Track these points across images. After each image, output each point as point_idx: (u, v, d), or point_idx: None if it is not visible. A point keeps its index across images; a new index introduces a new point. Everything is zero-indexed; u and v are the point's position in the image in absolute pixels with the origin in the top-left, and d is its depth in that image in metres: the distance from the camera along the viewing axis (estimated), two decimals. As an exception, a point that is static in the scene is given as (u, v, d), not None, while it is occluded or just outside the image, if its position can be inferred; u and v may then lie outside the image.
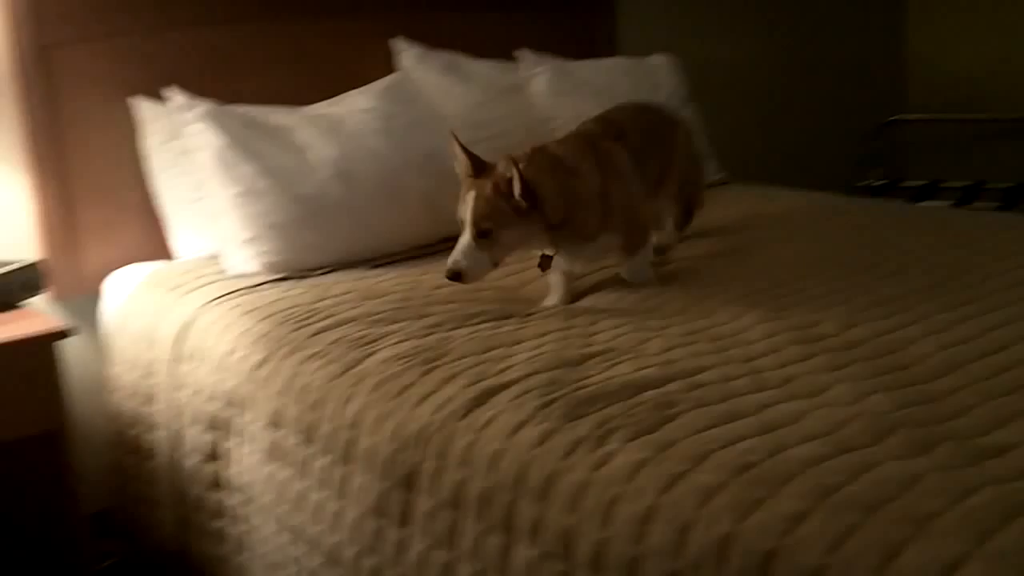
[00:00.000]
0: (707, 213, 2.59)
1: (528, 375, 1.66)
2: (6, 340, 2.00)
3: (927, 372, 1.61)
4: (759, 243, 2.44)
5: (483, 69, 2.89)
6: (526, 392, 1.60)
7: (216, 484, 2.07)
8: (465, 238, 1.96)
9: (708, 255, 2.36)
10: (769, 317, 1.88)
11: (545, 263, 2.11)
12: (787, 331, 1.80)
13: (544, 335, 1.87)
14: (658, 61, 3.17)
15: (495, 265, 2.00)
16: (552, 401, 1.55)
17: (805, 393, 1.54)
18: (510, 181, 1.93)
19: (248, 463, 1.97)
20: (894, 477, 1.26)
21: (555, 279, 2.13)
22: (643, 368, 1.65)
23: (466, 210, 1.96)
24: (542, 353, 1.77)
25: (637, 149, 2.23)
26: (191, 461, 2.11)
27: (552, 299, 2.11)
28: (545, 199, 1.97)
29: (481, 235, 1.95)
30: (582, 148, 2.13)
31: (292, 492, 1.84)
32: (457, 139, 2.04)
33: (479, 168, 2.00)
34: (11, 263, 2.22)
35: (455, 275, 1.96)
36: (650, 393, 1.55)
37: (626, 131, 2.24)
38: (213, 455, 2.06)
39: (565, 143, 2.16)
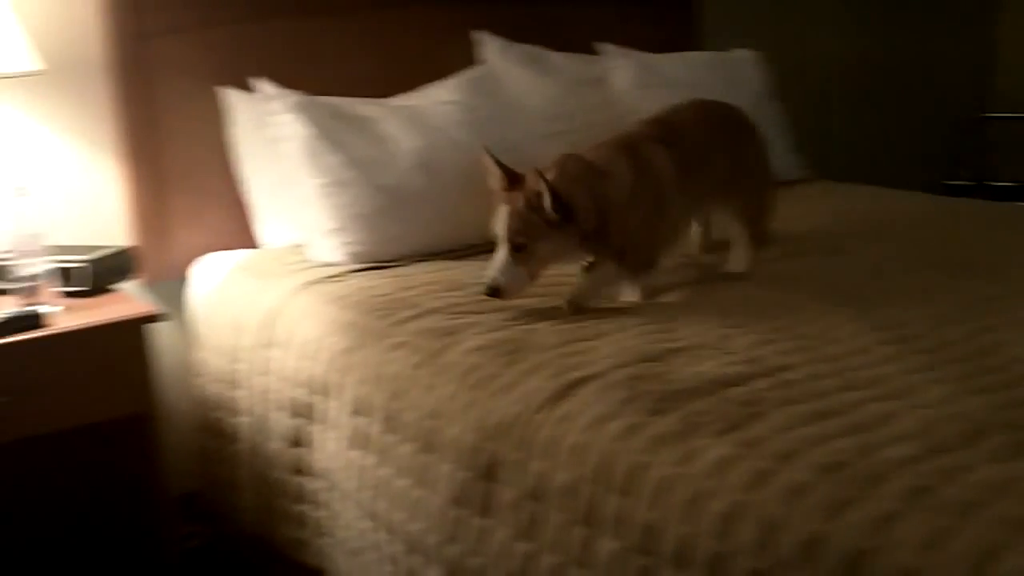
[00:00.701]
0: (791, 210, 2.55)
1: (611, 369, 1.66)
2: (100, 323, 2.06)
3: (1022, 374, 1.57)
4: (845, 241, 2.40)
5: (564, 62, 2.89)
6: (610, 386, 1.59)
7: (299, 469, 2.10)
8: (501, 253, 1.96)
9: (792, 253, 2.32)
10: (856, 316, 1.85)
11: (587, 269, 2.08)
12: (875, 331, 1.77)
13: (625, 329, 1.87)
14: (742, 55, 3.14)
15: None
16: (636, 395, 1.55)
17: (895, 393, 1.52)
18: (541, 194, 1.92)
19: (331, 449, 1.99)
20: (990, 480, 1.23)
21: None
22: (728, 365, 1.64)
23: (500, 225, 1.96)
24: (624, 347, 1.76)
25: (693, 154, 2.15)
26: (275, 446, 2.14)
27: (630, 294, 2.10)
28: (577, 209, 1.95)
29: (516, 249, 1.95)
30: (618, 150, 2.07)
31: (375, 479, 1.86)
32: (489, 152, 2.02)
33: (512, 181, 1.99)
34: (104, 248, 2.27)
35: (493, 291, 1.95)
36: (736, 390, 1.54)
37: (681, 135, 2.16)
38: (297, 440, 2.09)
39: (601, 146, 2.11)
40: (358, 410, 1.92)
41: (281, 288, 2.26)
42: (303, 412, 2.07)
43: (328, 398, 2.01)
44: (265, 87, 2.48)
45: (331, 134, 2.40)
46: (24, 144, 2.41)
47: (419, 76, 2.69)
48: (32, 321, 1.99)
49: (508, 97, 2.67)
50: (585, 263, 2.08)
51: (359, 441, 1.91)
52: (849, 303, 1.92)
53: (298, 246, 2.48)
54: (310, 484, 2.08)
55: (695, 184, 2.14)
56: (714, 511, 1.31)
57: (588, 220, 1.97)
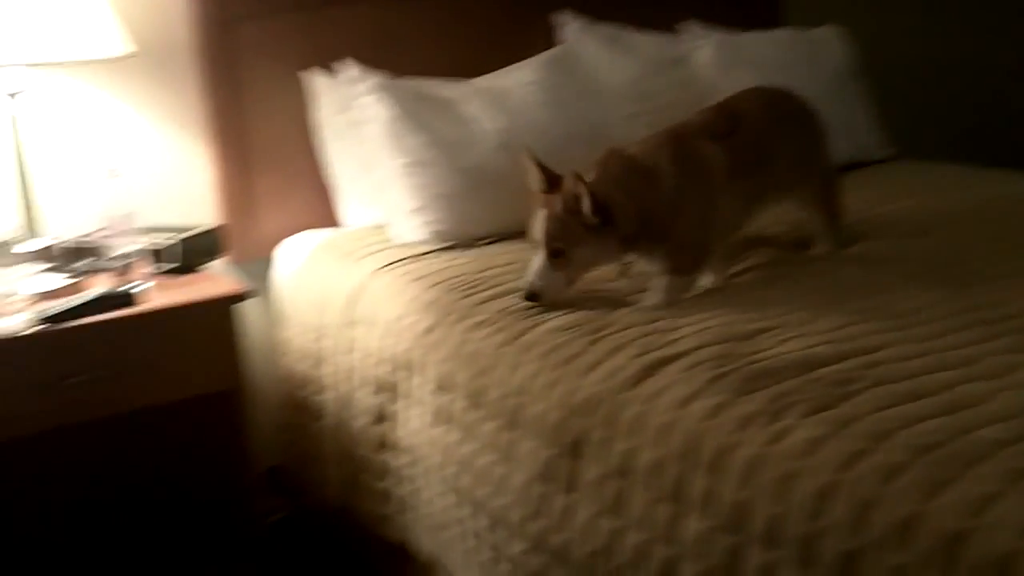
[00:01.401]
0: (876, 191, 2.51)
1: (697, 348, 1.65)
2: (190, 301, 2.10)
3: (1122, 357, 1.53)
4: (935, 221, 2.34)
5: (645, 41, 2.87)
6: (696, 364, 1.59)
7: (383, 445, 2.13)
8: (539, 258, 1.93)
9: (878, 233, 2.28)
10: (948, 297, 1.81)
11: (627, 272, 2.04)
12: (968, 311, 1.74)
13: (709, 309, 1.85)
14: (826, 32, 3.08)
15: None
16: (724, 374, 1.54)
17: (990, 374, 1.49)
18: (579, 198, 1.88)
19: (415, 425, 2.02)
20: (1092, 463, 1.20)
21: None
22: (817, 345, 1.62)
23: (538, 230, 1.93)
24: (709, 327, 1.75)
25: (750, 146, 2.06)
26: (359, 422, 2.18)
27: (705, 280, 2.04)
28: (617, 213, 1.89)
29: (554, 255, 1.91)
30: (665, 147, 1.98)
31: (459, 455, 1.88)
32: (530, 153, 1.98)
33: (551, 183, 1.94)
34: (193, 228, 2.32)
35: (532, 296, 1.93)
36: (826, 370, 1.52)
37: (736, 126, 2.07)
38: (380, 417, 2.12)
39: (647, 141, 2.03)
40: (441, 387, 1.94)
41: (364, 267, 2.29)
42: (387, 389, 2.10)
43: (411, 375, 2.03)
44: (349, 69, 2.51)
45: (413, 115, 2.42)
46: (116, 126, 2.47)
47: (499, 57, 2.69)
48: (124, 299, 2.04)
49: (589, 77, 2.66)
50: (625, 263, 2.03)
51: (443, 418, 1.93)
52: (938, 284, 1.88)
53: (380, 226, 2.50)
54: (394, 460, 2.10)
55: (753, 177, 2.05)
56: (805, 491, 1.30)
57: (629, 223, 1.90)
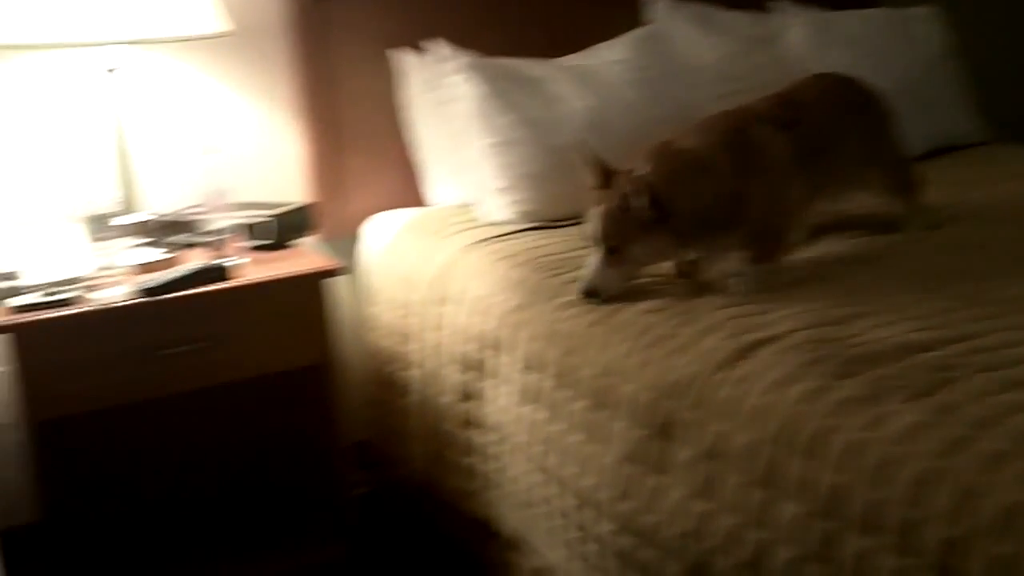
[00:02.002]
0: (972, 175, 2.45)
1: (792, 331, 1.63)
2: (283, 275, 2.14)
3: None
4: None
5: (736, 20, 2.83)
6: (791, 348, 1.57)
7: (469, 422, 2.14)
8: (596, 256, 1.90)
9: (974, 219, 2.22)
10: (1049, 284, 1.76)
11: (687, 271, 2.00)
12: (1074, 298, 1.69)
13: (803, 293, 1.83)
14: (920, 11, 3.01)
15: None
16: (820, 358, 1.52)
17: (1097, 364, 1.45)
18: (633, 194, 1.84)
19: (502, 404, 2.03)
20: None
21: None
22: (915, 330, 1.59)
23: (593, 227, 1.90)
24: (803, 310, 1.73)
25: (814, 135, 2.02)
26: (445, 399, 2.19)
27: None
28: (673, 208, 1.84)
29: (611, 252, 1.88)
30: (724, 138, 1.93)
31: (546, 434, 1.89)
32: (585, 147, 1.95)
33: (607, 177, 1.91)
34: (286, 204, 2.36)
35: (589, 294, 1.91)
36: (925, 355, 1.49)
37: (800, 114, 2.03)
38: (467, 394, 2.14)
39: (705, 131, 1.96)
40: (529, 366, 1.95)
41: (452, 246, 2.30)
42: (474, 367, 2.11)
43: (499, 354, 2.04)
44: (439, 49, 2.52)
45: (502, 94, 2.42)
46: (212, 104, 2.51)
47: (587, 36, 2.69)
48: (219, 273, 2.09)
49: (678, 57, 2.64)
50: (686, 260, 1.99)
51: (530, 396, 1.94)
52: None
53: (467, 205, 2.52)
54: (480, 437, 2.12)
55: (818, 166, 2.01)
56: (905, 477, 1.28)
57: (685, 218, 1.86)
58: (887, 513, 1.29)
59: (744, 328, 1.68)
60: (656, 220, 1.84)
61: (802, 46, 2.80)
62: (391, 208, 2.64)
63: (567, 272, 2.06)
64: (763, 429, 1.47)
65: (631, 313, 1.84)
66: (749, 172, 1.91)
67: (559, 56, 2.63)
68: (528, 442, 1.95)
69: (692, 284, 1.95)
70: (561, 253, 2.15)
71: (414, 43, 2.60)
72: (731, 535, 1.51)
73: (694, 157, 1.91)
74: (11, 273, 2.02)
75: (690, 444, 1.59)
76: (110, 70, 2.16)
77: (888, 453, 1.31)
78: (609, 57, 2.58)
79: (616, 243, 1.88)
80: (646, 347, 1.73)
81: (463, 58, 2.47)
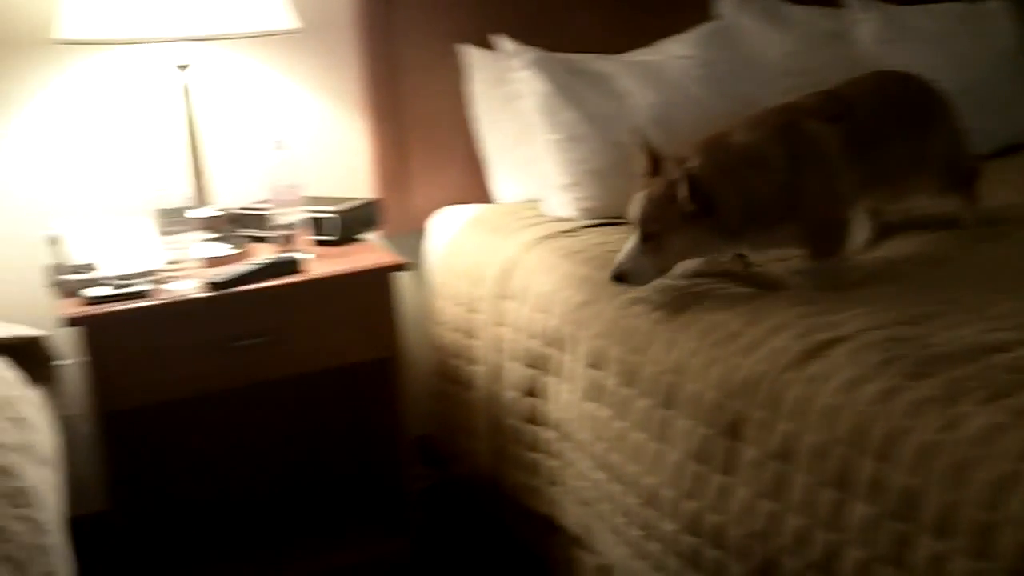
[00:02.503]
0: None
1: (864, 330, 1.61)
2: (352, 270, 2.16)
3: None
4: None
5: (804, 15, 2.79)
6: (864, 347, 1.55)
7: (533, 418, 2.15)
8: (633, 240, 1.87)
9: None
10: None
11: (735, 266, 1.97)
12: None
13: (874, 291, 1.81)
14: (993, 6, 2.96)
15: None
16: (893, 358, 1.50)
17: None
18: (677, 184, 1.81)
19: (565, 400, 2.03)
20: None
21: None
22: (991, 331, 1.56)
23: (634, 211, 1.87)
24: (874, 310, 1.70)
25: (866, 131, 1.99)
26: (509, 395, 2.20)
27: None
28: (720, 204, 1.82)
29: (648, 238, 1.85)
30: (773, 131, 1.91)
31: (610, 431, 1.89)
32: (639, 133, 1.92)
33: (656, 164, 1.88)
34: (352, 199, 2.38)
35: (619, 277, 1.88)
36: (1002, 356, 1.47)
37: (852, 110, 2.00)
38: (531, 390, 2.14)
39: (756, 125, 1.94)
40: (593, 363, 1.95)
41: (516, 242, 2.30)
42: (538, 363, 2.12)
43: (563, 350, 2.04)
44: (504, 44, 2.52)
45: (567, 90, 2.42)
46: (280, 100, 2.54)
47: (654, 32, 2.67)
48: (290, 267, 2.11)
49: (746, 52, 2.62)
50: (730, 261, 1.97)
51: (594, 393, 1.94)
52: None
53: (531, 201, 2.52)
54: (543, 433, 2.12)
55: (867, 162, 1.97)
56: (982, 480, 1.26)
57: (733, 215, 1.83)
58: (961, 516, 1.27)
59: (814, 327, 1.66)
60: (699, 213, 1.82)
61: (872, 42, 2.76)
62: (456, 204, 2.65)
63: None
64: (835, 429, 1.46)
65: (697, 311, 1.82)
66: (802, 166, 1.89)
67: (625, 51, 2.62)
68: (591, 439, 1.95)
69: (747, 280, 1.94)
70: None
71: (479, 39, 2.60)
72: (800, 536, 1.49)
73: (745, 151, 1.89)
74: (88, 265, 2.06)
75: (759, 444, 1.58)
76: (182, 66, 2.19)
77: (964, 455, 1.29)
78: (676, 52, 2.57)
79: (654, 230, 1.85)
80: (712, 345, 1.72)
81: (528, 54, 2.47)
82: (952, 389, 1.39)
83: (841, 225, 1.95)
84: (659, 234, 1.85)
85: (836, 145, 1.94)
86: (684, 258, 1.93)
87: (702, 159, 1.86)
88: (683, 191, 1.81)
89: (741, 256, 2.00)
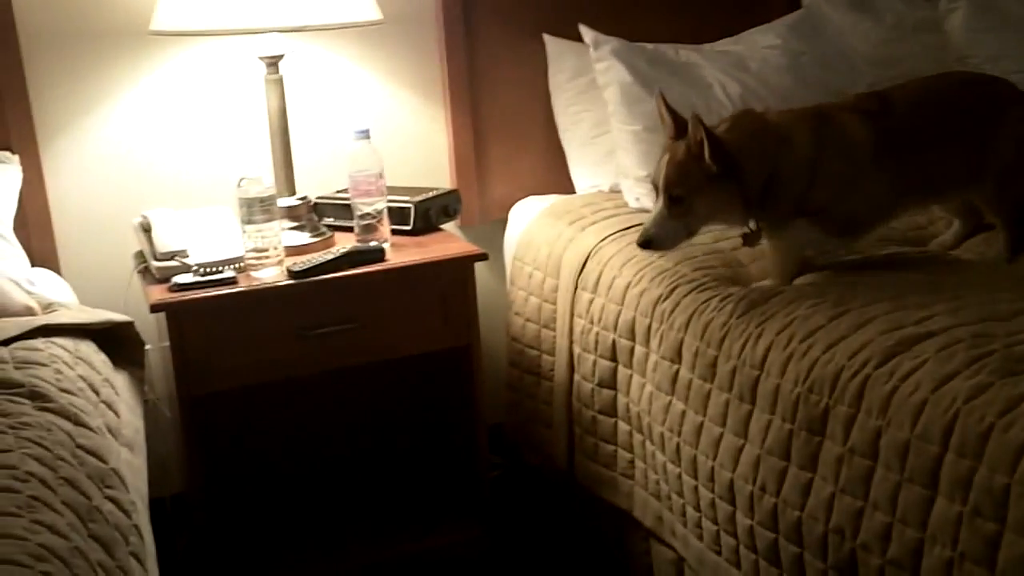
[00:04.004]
0: None
1: (953, 326, 1.56)
2: (434, 259, 2.18)
3: None
4: None
5: (894, 3, 2.72)
6: (952, 343, 1.50)
7: (609, 410, 2.14)
8: (658, 205, 1.84)
9: None
10: None
11: (750, 239, 1.94)
12: None
13: (965, 285, 1.76)
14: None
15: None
16: (984, 355, 1.45)
17: None
18: (701, 143, 1.77)
19: (642, 393, 2.01)
20: None
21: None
22: (1085, 328, 1.51)
23: (659, 174, 1.83)
24: (963, 305, 1.65)
25: (909, 130, 1.90)
26: (586, 386, 2.19)
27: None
28: (743, 165, 1.79)
29: (674, 202, 1.82)
30: (805, 117, 1.90)
31: (688, 425, 1.87)
32: (662, 97, 1.89)
33: (680, 129, 1.84)
34: (432, 189, 2.39)
35: (646, 243, 1.86)
36: (1099, 353, 1.42)
37: (891, 107, 1.92)
38: (607, 382, 2.13)
39: (789, 112, 1.93)
40: (670, 356, 1.93)
41: (595, 233, 2.29)
42: (614, 355, 2.11)
43: (640, 343, 2.03)
44: (585, 34, 2.51)
45: (649, 80, 2.40)
46: (363, 91, 2.56)
47: (739, 22, 2.64)
48: (376, 255, 2.13)
49: (832, 42, 2.57)
50: (748, 230, 1.94)
51: (673, 386, 1.92)
52: None
53: (611, 192, 2.50)
54: (621, 425, 2.11)
55: (906, 164, 1.89)
56: (1076, 480, 1.22)
57: (754, 179, 1.81)
58: (1056, 517, 1.23)
59: (901, 322, 1.62)
60: (722, 175, 1.79)
61: (963, 31, 2.68)
62: (536, 194, 2.65)
63: (711, 264, 2.03)
64: (922, 426, 1.42)
65: (776, 304, 1.80)
66: (826, 151, 1.86)
67: (710, 40, 2.59)
68: (668, 433, 1.93)
69: (756, 253, 1.95)
70: (705, 244, 2.12)
71: (560, 29, 2.60)
72: (884, 532, 1.46)
73: (773, 129, 1.88)
74: (175, 253, 2.10)
75: (842, 439, 1.54)
76: (268, 58, 2.22)
77: (1057, 455, 1.25)
78: (761, 42, 2.53)
79: (680, 193, 1.82)
80: (795, 340, 1.69)
81: (609, 43, 2.46)
82: (1045, 387, 1.35)
83: (852, 221, 1.91)
84: (684, 197, 1.82)
85: (865, 139, 1.89)
86: (710, 221, 1.91)
87: (729, 124, 1.86)
88: (707, 150, 1.78)
89: (754, 232, 1.95)
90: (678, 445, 1.90)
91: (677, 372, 1.91)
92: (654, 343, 1.99)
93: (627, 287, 2.09)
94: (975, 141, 1.95)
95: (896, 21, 2.68)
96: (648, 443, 2.02)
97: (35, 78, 2.31)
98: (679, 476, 1.91)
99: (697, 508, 1.87)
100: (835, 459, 1.55)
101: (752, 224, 1.94)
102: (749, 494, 1.72)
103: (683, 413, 1.89)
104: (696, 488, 1.86)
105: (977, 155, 1.95)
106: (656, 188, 1.86)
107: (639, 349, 2.04)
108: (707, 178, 1.81)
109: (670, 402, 1.93)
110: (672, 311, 1.96)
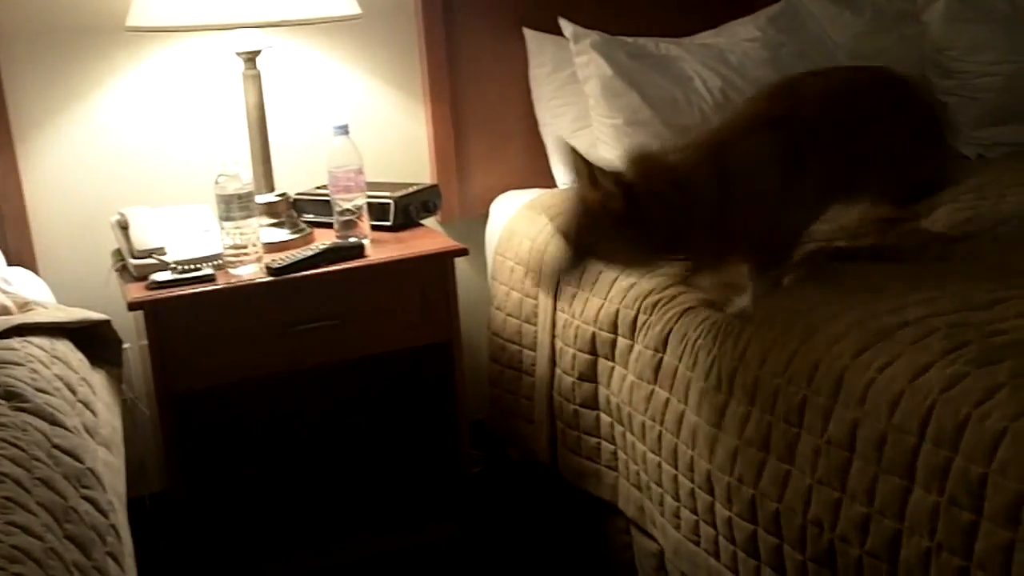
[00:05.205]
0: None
1: (930, 315, 1.56)
2: (412, 255, 2.17)
3: None
4: None
5: (876, -5, 2.74)
6: (930, 333, 1.50)
7: (591, 403, 2.13)
8: (564, 252, 1.74)
9: None
10: None
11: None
12: None
13: (944, 274, 1.75)
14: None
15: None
16: (959, 344, 1.45)
17: None
18: (610, 195, 1.67)
19: (625, 383, 2.01)
20: None
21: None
22: (1063, 316, 1.51)
23: (565, 221, 1.74)
24: (940, 295, 1.65)
25: (814, 134, 1.79)
26: (568, 380, 2.19)
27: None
28: (649, 219, 1.68)
29: (580, 251, 1.73)
30: (704, 152, 1.76)
31: (671, 413, 1.87)
32: (571, 147, 1.75)
33: (592, 178, 1.70)
34: (412, 185, 2.38)
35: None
36: (1076, 343, 1.42)
37: (804, 105, 1.82)
38: (590, 375, 2.13)
39: (687, 148, 1.78)
40: (655, 346, 1.93)
41: (576, 227, 2.28)
42: (596, 348, 2.10)
43: (623, 336, 2.03)
44: (565, 27, 2.51)
45: (629, 74, 2.40)
46: (341, 86, 2.55)
47: (720, 14, 2.64)
48: (356, 251, 2.13)
49: (813, 34, 2.58)
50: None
51: (654, 375, 1.92)
52: None
53: (592, 186, 2.50)
54: (601, 418, 2.11)
55: (821, 167, 1.79)
56: (1053, 469, 1.22)
57: (659, 228, 1.70)
58: (1031, 506, 1.23)
59: (876, 313, 1.61)
60: (630, 225, 1.69)
61: (942, 21, 2.69)
62: (517, 188, 2.64)
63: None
64: (900, 417, 1.42)
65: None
66: (730, 184, 1.74)
67: (690, 33, 2.58)
68: (649, 422, 1.93)
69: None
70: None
71: (540, 23, 2.59)
72: (862, 524, 1.46)
73: (671, 169, 1.74)
74: (153, 250, 2.09)
75: (820, 431, 1.54)
76: (245, 53, 2.21)
77: (1034, 444, 1.25)
78: (742, 35, 2.53)
79: (590, 241, 1.72)
80: (773, 332, 1.69)
81: (589, 37, 2.45)
82: (1022, 376, 1.35)
83: (782, 241, 1.84)
84: (591, 245, 1.73)
85: (773, 155, 1.77)
86: (620, 267, 1.88)
87: (634, 172, 1.72)
88: (613, 203, 1.68)
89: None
90: (660, 434, 1.90)
91: (661, 360, 1.91)
92: (636, 336, 1.98)
93: (613, 281, 2.09)
94: (880, 140, 1.87)
95: (876, 13, 2.68)
96: (628, 433, 2.02)
97: (10, 75, 2.29)
98: (659, 465, 1.91)
99: (676, 497, 1.87)
100: (812, 451, 1.55)
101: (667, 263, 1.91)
102: (727, 485, 1.72)
103: (666, 401, 1.89)
104: (676, 477, 1.86)
105: (873, 147, 1.87)
106: (564, 234, 1.75)
107: (622, 341, 2.03)
108: (614, 228, 1.70)
109: (652, 391, 1.93)
110: (656, 304, 1.96)
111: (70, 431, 1.51)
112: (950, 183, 2.03)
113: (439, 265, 2.19)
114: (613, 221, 1.69)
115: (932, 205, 2.01)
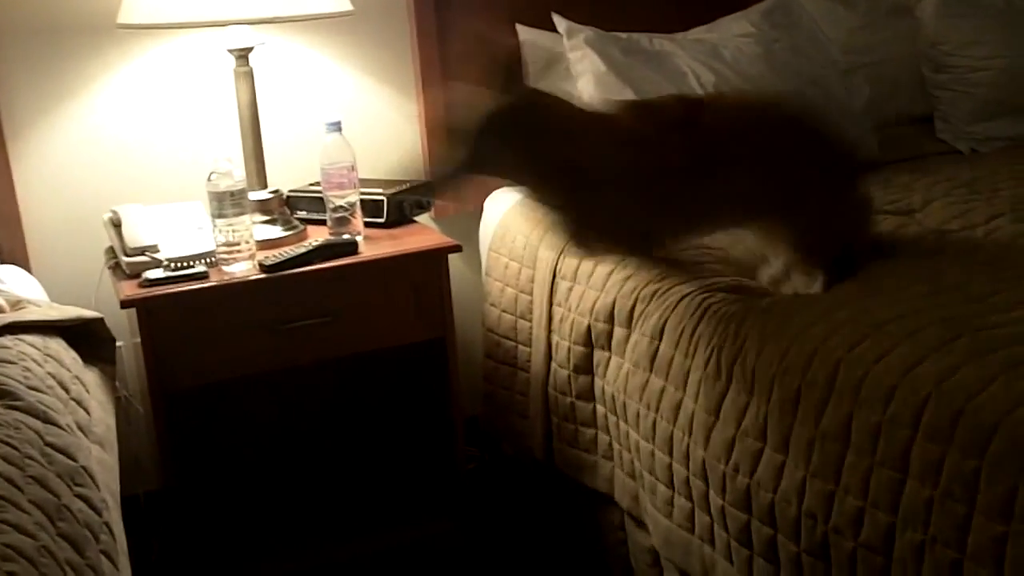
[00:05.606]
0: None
1: (925, 308, 1.56)
2: (406, 251, 2.17)
3: None
4: None
5: (870, -11, 2.73)
6: (925, 326, 1.51)
7: (588, 395, 2.13)
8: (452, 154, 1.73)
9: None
10: None
11: None
12: None
13: (941, 267, 1.76)
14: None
15: None
16: (955, 337, 1.46)
17: None
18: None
19: (621, 373, 2.01)
20: None
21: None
22: (1057, 309, 1.51)
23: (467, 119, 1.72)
24: (934, 288, 1.66)
25: (728, 148, 1.75)
26: (564, 373, 2.19)
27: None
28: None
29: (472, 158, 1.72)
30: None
31: (666, 403, 1.87)
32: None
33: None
34: (405, 182, 2.38)
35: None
36: (1070, 335, 1.42)
37: (702, 119, 1.77)
38: (585, 368, 2.12)
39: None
40: (652, 334, 1.93)
41: (571, 222, 2.28)
42: (592, 341, 2.10)
43: (620, 326, 2.02)
44: (559, 23, 2.51)
45: (623, 70, 2.40)
46: (334, 83, 2.55)
47: (714, 10, 2.64)
48: (349, 248, 2.13)
49: (807, 29, 2.57)
50: None
51: (650, 363, 1.92)
52: None
53: (587, 182, 2.49)
54: (598, 409, 2.11)
55: (703, 184, 1.76)
56: (1047, 461, 1.22)
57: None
58: (1025, 498, 1.23)
59: (871, 306, 1.62)
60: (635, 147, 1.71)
61: (936, 15, 2.69)
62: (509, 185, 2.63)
63: (690, 248, 2.03)
64: (894, 409, 1.42)
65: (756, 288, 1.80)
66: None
67: (684, 29, 2.58)
68: (644, 410, 1.93)
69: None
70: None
71: (533, 19, 2.59)
72: (856, 516, 1.46)
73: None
74: (146, 248, 2.09)
75: (814, 423, 1.54)
76: (237, 50, 2.20)
77: (1031, 435, 1.25)
78: (735, 30, 2.53)
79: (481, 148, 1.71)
80: (770, 323, 1.69)
81: (583, 32, 2.45)
82: (1017, 368, 1.35)
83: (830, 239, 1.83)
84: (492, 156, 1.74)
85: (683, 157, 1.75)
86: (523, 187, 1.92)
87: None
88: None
89: None
90: (654, 422, 1.90)
91: (657, 348, 1.91)
92: (632, 327, 1.98)
93: (610, 273, 2.08)
94: (776, 176, 1.79)
95: (869, 7, 2.68)
96: (622, 423, 2.01)
97: (2, 72, 2.29)
98: (652, 453, 1.91)
99: (669, 485, 1.86)
100: (807, 442, 1.55)
101: None
102: (722, 473, 1.71)
103: (662, 389, 1.88)
104: (670, 465, 1.86)
105: (769, 182, 1.79)
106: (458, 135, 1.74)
107: (618, 330, 2.02)
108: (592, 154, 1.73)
109: (648, 379, 1.92)
110: (651, 296, 1.95)
111: (63, 429, 1.50)
112: (870, 242, 1.91)
113: (433, 261, 2.18)
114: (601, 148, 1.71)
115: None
